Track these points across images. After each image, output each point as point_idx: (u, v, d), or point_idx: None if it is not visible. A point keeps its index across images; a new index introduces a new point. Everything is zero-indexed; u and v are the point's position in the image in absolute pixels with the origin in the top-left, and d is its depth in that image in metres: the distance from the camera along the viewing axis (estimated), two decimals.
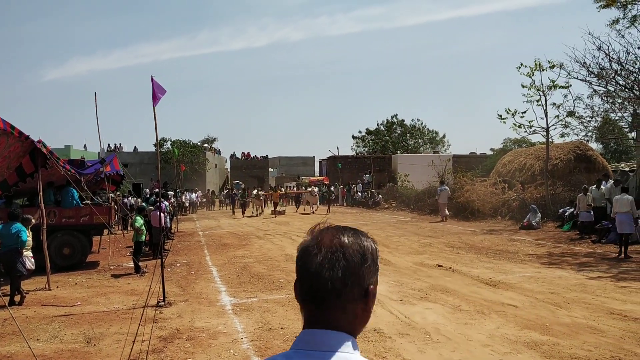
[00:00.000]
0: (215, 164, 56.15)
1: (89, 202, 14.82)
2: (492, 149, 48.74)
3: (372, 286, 1.30)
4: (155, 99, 9.77)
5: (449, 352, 6.47)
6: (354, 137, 59.02)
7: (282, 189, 42.81)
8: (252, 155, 59.20)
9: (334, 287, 1.24)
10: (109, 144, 50.42)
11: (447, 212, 24.49)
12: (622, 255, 13.45)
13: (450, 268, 12.42)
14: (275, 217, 29.94)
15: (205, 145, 57.79)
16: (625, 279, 10.70)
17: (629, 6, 16.22)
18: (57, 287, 11.63)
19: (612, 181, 16.76)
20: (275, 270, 12.89)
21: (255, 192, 35.44)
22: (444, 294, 9.73)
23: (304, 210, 34.86)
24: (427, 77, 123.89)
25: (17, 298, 10.01)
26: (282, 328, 7.68)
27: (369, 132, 58.28)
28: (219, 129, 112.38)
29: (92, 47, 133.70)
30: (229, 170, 61.79)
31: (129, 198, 24.00)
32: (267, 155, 60.52)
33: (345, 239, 1.30)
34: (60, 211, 14.00)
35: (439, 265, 12.82)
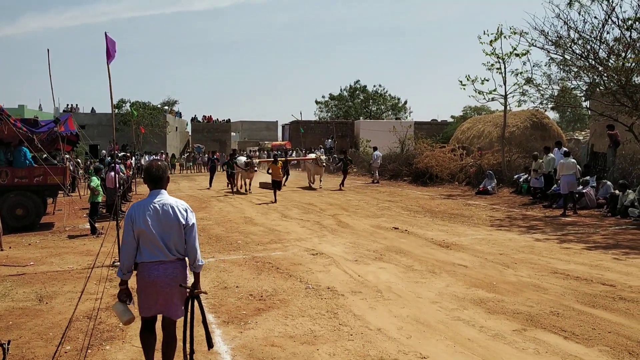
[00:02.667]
0: (176, 127, 55.22)
1: (42, 162, 14.47)
2: (452, 117, 49.37)
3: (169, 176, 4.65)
4: (109, 57, 9.52)
5: (398, 308, 6.68)
6: (317, 102, 58.82)
7: (278, 154, 31.11)
8: (214, 119, 58.42)
9: (159, 176, 4.51)
10: (66, 104, 49.02)
11: (377, 175, 27.46)
12: (571, 212, 15.00)
13: (406, 230, 12.69)
14: (275, 201, 19.09)
15: (166, 107, 56.77)
16: (570, 241, 11.15)
17: None
18: (10, 247, 11.42)
19: (565, 149, 17.28)
20: (234, 232, 12.95)
21: (244, 159, 23.93)
22: (397, 254, 9.96)
23: (310, 184, 25.24)
24: (390, 43, 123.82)
25: None
26: (237, 286, 7.77)
27: (332, 97, 58.12)
28: (181, 91, 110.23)
29: (46, 3, 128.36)
30: (190, 133, 60.96)
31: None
32: (229, 119, 59.86)
33: (160, 163, 4.63)
34: (12, 171, 13.66)
35: (395, 228, 13.08)
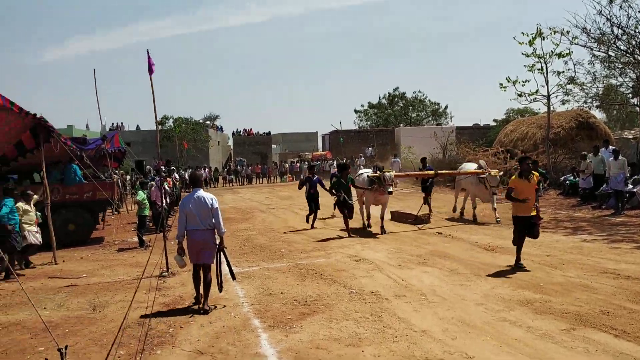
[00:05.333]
0: (218, 141, 56.16)
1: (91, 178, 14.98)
2: (495, 120, 48.52)
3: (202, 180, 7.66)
4: (151, 72, 9.86)
5: (443, 310, 6.64)
6: (356, 111, 58.85)
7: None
8: (254, 132, 59.15)
9: (197, 179, 7.45)
10: (112, 123, 50.51)
11: (397, 181, 25.44)
12: (620, 211, 14.59)
13: (450, 235, 12.58)
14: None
15: (208, 122, 57.79)
16: (619, 241, 10.84)
17: None
18: (63, 261, 11.85)
19: (612, 148, 16.81)
20: (277, 241, 13.09)
21: (367, 172, 15.01)
22: (442, 259, 9.89)
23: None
24: (429, 49, 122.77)
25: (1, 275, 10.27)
26: (281, 293, 7.87)
27: (371, 105, 58.05)
28: (222, 106, 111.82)
29: (91, 26, 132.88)
30: (231, 147, 61.82)
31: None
32: (269, 132, 60.48)
33: (197, 172, 8.85)
34: (64, 188, 14.17)
35: (439, 233, 12.97)
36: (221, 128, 59.96)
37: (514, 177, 9.07)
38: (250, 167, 44.53)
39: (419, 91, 57.36)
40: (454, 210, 16.53)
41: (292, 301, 7.38)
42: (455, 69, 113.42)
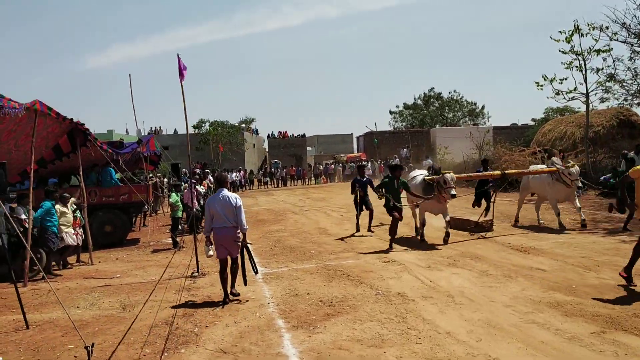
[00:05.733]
0: (254, 144, 56.63)
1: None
2: (533, 119, 47.63)
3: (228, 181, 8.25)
4: (182, 76, 10.04)
5: (470, 312, 6.53)
6: (391, 112, 58.65)
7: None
8: (289, 134, 59.50)
9: (223, 180, 7.99)
10: (151, 127, 51.55)
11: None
12: None
13: (483, 236, 12.38)
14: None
15: (243, 125, 58.40)
16: None
17: None
18: (99, 262, 12.15)
19: None
20: (307, 242, 13.12)
21: (421, 175, 12.79)
22: (472, 260, 9.75)
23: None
24: (464, 48, 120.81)
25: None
26: (308, 293, 7.88)
27: (406, 106, 57.77)
28: (257, 109, 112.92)
29: (131, 33, 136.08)
30: (267, 149, 62.30)
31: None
32: (304, 134, 60.72)
33: (223, 174, 8.57)
34: (101, 190, 14.53)
35: (471, 234, 12.79)
36: (256, 131, 60.46)
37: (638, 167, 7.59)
38: (285, 170, 44.76)
39: (455, 91, 56.80)
40: (516, 221, 14.23)
41: (318, 302, 7.38)
42: (493, 68, 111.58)
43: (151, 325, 6.59)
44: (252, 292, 8.17)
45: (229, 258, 7.75)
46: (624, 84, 18.53)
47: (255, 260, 8.10)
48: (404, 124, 57.12)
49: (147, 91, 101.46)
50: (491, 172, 13.71)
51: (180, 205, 14.23)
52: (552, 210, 13.54)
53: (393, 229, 11.49)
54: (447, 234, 11.71)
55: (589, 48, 18.50)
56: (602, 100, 19.46)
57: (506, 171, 13.69)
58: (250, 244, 8.01)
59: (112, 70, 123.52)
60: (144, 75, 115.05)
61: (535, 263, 9.13)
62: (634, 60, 18.07)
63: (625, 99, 18.68)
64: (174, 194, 14.19)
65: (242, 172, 42.28)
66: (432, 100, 56.76)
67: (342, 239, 13.34)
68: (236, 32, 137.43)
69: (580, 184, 12.66)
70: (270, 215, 20.04)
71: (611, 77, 18.25)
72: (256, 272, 7.93)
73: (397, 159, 40.43)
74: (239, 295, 7.85)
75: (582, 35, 18.63)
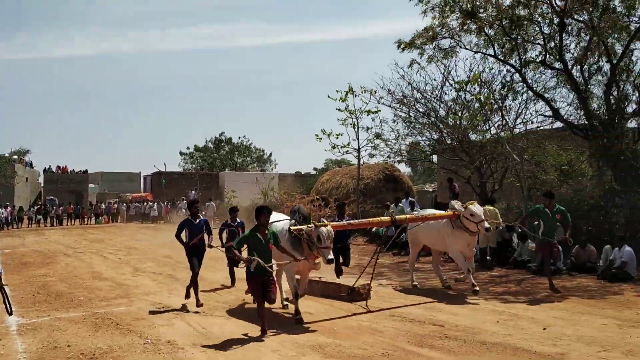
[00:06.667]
0: (26, 178, 51.26)
1: None
2: (315, 169, 50.91)
3: None
4: None
5: (239, 357, 6.66)
6: (181, 154, 58.06)
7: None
8: (69, 169, 55.18)
9: None
10: None
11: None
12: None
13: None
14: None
15: (15, 157, 52.68)
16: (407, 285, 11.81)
17: (424, 47, 18.07)
18: None
19: (411, 199, 18.51)
20: (77, 288, 12.22)
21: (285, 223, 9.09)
22: (248, 304, 9.95)
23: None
24: (255, 98, 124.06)
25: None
26: (68, 346, 7.30)
27: (197, 148, 57.76)
28: (34, 140, 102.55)
29: None
30: (42, 184, 56.88)
31: None
32: (86, 170, 56.83)
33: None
34: None
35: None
36: (31, 163, 54.95)
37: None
38: (61, 207, 41.26)
39: (245, 136, 58.50)
40: (412, 285, 11.75)
41: (79, 355, 6.88)
42: (281, 117, 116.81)
43: None
44: (2, 346, 7.31)
45: None
46: (388, 142, 20.82)
47: (14, 309, 7.34)
48: (194, 165, 56.88)
49: None
50: (380, 218, 10.70)
51: None
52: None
53: (262, 315, 7.88)
54: (298, 313, 8.45)
55: (360, 108, 20.50)
56: (371, 155, 21.58)
57: (397, 217, 10.71)
58: (7, 285, 7.27)
59: None
60: None
61: (305, 307, 9.62)
62: (397, 122, 20.40)
63: (389, 156, 20.98)
64: None
65: (8, 208, 37.89)
66: (222, 144, 57.60)
67: (124, 287, 12.66)
68: (17, 54, 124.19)
69: (487, 225, 10.25)
70: (38, 258, 18.22)
71: (378, 136, 20.38)
72: (10, 314, 7.23)
73: (184, 201, 39.94)
74: None
75: (355, 96, 20.63)
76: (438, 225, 10.92)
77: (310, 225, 8.33)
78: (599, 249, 12.51)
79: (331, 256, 8.11)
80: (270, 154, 58.73)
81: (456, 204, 10.76)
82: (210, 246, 10.10)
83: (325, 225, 8.24)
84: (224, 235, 11.98)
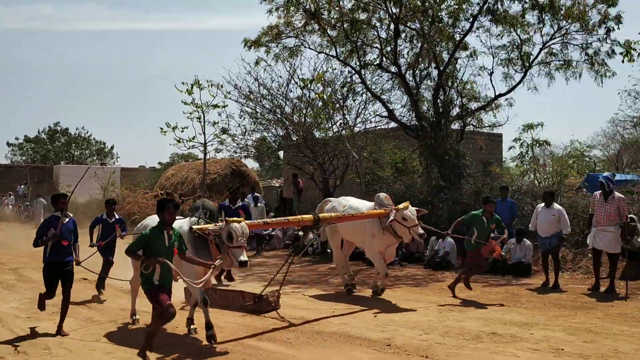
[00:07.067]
0: None
1: None
2: (160, 163, 49.20)
3: None
4: None
5: None
6: (9, 144, 52.90)
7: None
8: None
9: None
10: None
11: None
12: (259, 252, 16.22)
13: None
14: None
15: None
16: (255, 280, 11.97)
17: (270, 45, 18.33)
18: None
19: (256, 194, 18.74)
20: None
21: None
22: (82, 308, 9.43)
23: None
24: (94, 88, 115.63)
25: None
26: None
27: (27, 139, 52.95)
28: None
29: None
30: None
31: None
32: None
33: None
34: None
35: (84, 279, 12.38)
36: None
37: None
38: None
39: (83, 128, 54.71)
40: (349, 288, 10.29)
41: None
42: (124, 110, 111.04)
43: None
44: None
45: None
46: (235, 138, 20.79)
47: None
48: (24, 158, 52.18)
49: None
50: (300, 217, 9.33)
51: None
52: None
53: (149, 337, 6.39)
54: (210, 329, 7.08)
55: (207, 102, 20.24)
56: (217, 150, 21.40)
57: (321, 215, 9.29)
58: None
59: None
60: None
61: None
62: (244, 118, 20.44)
63: (235, 152, 20.96)
64: None
65: None
66: (57, 135, 53.39)
67: None
68: None
69: (422, 231, 9.35)
70: None
71: (225, 131, 20.27)
72: None
73: (12, 197, 36.63)
74: None
75: (201, 89, 20.30)
76: (362, 222, 9.64)
77: (220, 221, 7.19)
78: (426, 240, 13.64)
79: (244, 258, 6.87)
80: (112, 147, 55.71)
81: (385, 198, 9.53)
82: (79, 263, 8.09)
83: (239, 222, 7.15)
84: (95, 233, 10.32)
